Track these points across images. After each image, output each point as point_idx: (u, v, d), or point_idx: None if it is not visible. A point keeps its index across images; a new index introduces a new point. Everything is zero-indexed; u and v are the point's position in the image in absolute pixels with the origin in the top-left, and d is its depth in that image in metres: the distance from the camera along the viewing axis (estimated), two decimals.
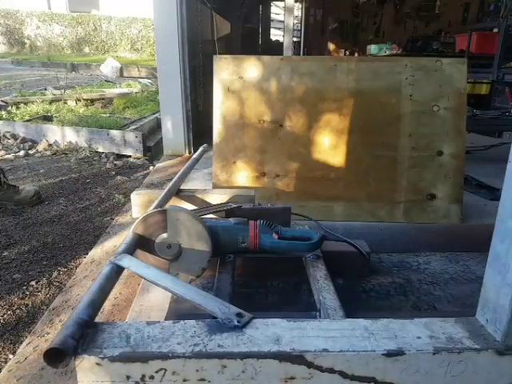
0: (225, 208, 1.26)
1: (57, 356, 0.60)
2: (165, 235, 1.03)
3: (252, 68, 1.71)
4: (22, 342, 1.24)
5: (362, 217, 1.66)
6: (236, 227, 1.11)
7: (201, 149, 1.86)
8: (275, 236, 1.09)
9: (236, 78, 1.72)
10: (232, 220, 1.14)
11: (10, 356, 1.27)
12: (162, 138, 3.25)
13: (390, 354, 0.66)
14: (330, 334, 0.69)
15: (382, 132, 1.66)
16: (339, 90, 1.67)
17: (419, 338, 0.69)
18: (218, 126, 1.75)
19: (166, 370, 0.64)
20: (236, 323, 0.70)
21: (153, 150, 3.86)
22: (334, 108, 1.68)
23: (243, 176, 1.75)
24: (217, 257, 1.14)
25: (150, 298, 1.18)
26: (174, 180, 1.49)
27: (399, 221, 1.65)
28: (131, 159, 3.72)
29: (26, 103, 5.32)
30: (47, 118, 4.75)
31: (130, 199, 1.58)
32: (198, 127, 3.21)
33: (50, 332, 1.18)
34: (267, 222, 1.12)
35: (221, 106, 1.73)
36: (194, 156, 1.77)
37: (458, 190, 1.65)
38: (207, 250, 1.03)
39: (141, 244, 1.03)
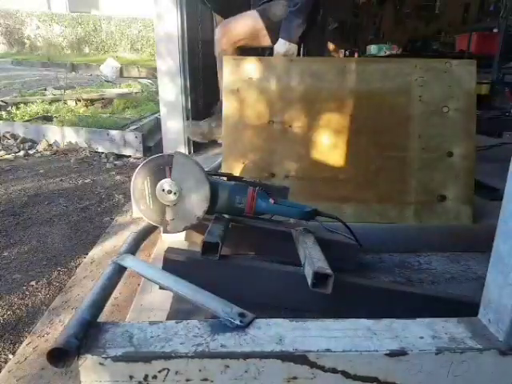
0: (227, 175, 1.29)
1: (60, 356, 0.60)
2: (168, 180, 1.04)
3: (259, 69, 1.70)
4: (21, 342, 1.24)
5: (371, 218, 1.65)
6: (235, 187, 1.14)
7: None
8: (271, 201, 1.13)
9: (242, 79, 1.71)
10: (233, 182, 1.17)
11: (10, 356, 1.27)
12: (161, 138, 3.25)
13: (392, 354, 0.66)
14: (332, 333, 0.69)
15: (391, 133, 1.65)
16: (349, 91, 1.67)
17: (422, 337, 0.69)
18: (226, 128, 1.74)
19: (168, 369, 0.64)
20: (239, 323, 0.70)
21: (153, 150, 3.85)
22: (344, 109, 1.67)
23: (252, 177, 1.74)
24: (212, 215, 1.16)
25: (150, 297, 1.18)
26: None
27: (409, 222, 1.63)
28: (131, 159, 3.72)
29: (25, 103, 5.30)
30: (47, 118, 4.74)
31: (130, 199, 1.58)
32: None
33: (50, 332, 1.18)
34: (265, 190, 1.16)
35: (228, 107, 1.73)
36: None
37: (469, 191, 1.64)
38: (205, 201, 1.05)
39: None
